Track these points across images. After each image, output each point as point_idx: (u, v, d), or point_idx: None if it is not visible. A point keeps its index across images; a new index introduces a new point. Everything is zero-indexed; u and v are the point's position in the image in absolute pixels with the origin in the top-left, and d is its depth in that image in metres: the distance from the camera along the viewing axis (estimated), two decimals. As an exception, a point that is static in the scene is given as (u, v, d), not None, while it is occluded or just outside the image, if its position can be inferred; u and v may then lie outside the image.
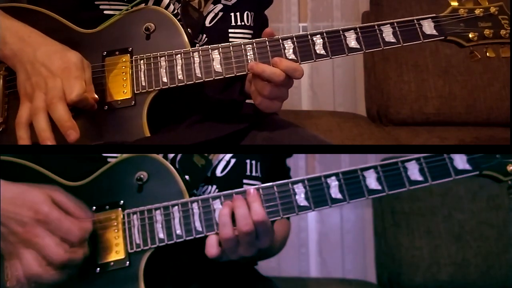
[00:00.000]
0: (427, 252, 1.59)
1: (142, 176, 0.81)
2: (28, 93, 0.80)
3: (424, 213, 1.62)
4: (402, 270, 1.59)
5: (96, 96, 0.83)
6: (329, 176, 0.80)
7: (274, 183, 0.80)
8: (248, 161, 0.93)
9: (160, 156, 0.83)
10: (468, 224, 1.60)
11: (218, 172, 0.91)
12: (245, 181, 0.92)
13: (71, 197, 0.75)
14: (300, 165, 2.03)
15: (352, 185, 0.80)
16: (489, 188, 1.62)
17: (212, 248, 0.77)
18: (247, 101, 1.03)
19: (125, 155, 0.83)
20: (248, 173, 0.93)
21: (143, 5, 0.90)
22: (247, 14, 0.99)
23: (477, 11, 0.92)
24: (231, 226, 0.76)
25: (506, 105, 1.81)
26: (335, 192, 0.79)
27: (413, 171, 0.81)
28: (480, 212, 1.61)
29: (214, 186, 0.90)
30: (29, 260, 0.71)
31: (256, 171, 0.94)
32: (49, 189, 0.75)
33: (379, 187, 0.80)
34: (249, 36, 1.00)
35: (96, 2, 0.90)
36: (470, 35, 0.91)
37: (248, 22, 0.99)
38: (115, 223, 0.80)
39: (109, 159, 0.85)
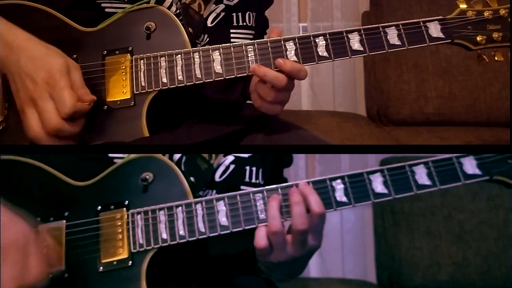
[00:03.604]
0: (427, 252, 1.59)
1: (147, 176, 0.81)
2: (20, 106, 0.79)
3: (424, 213, 1.62)
4: (402, 270, 1.60)
5: (93, 96, 0.81)
6: (335, 179, 0.79)
7: (278, 185, 0.79)
8: (247, 167, 0.92)
9: (166, 157, 0.83)
10: (468, 224, 1.60)
11: (217, 177, 0.90)
12: (243, 187, 0.91)
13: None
14: (300, 165, 2.03)
15: (358, 188, 0.79)
16: (489, 188, 1.62)
17: (261, 239, 0.76)
18: (247, 101, 1.03)
19: (131, 156, 0.83)
20: (247, 179, 0.92)
21: (144, 4, 0.89)
22: (249, 14, 0.99)
23: (486, 13, 0.89)
24: (280, 219, 0.75)
25: (506, 105, 1.81)
26: (340, 195, 0.78)
27: (421, 175, 0.79)
28: (480, 212, 1.61)
29: (215, 191, 0.89)
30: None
31: (257, 178, 0.93)
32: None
33: (386, 191, 0.79)
34: (251, 36, 0.99)
35: (97, 1, 0.90)
36: (478, 38, 0.88)
37: (250, 23, 0.99)
38: (120, 223, 0.79)
39: (115, 160, 0.85)
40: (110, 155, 0.85)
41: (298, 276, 0.92)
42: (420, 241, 1.60)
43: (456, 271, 1.57)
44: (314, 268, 2.01)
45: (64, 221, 0.79)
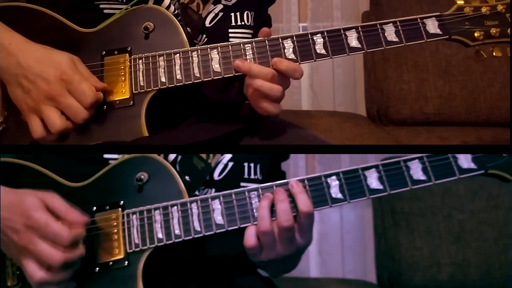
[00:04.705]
0: (427, 252, 1.59)
1: (142, 176, 0.81)
2: (32, 107, 0.80)
3: (424, 213, 1.62)
4: (402, 270, 1.59)
5: (104, 83, 0.84)
6: (330, 175, 0.79)
7: (273, 183, 0.79)
8: (246, 164, 0.93)
9: (160, 157, 0.83)
10: (468, 224, 1.60)
11: (216, 176, 0.90)
12: (242, 184, 0.91)
13: (65, 201, 0.75)
14: (300, 165, 2.02)
15: (353, 184, 0.79)
16: (489, 187, 1.62)
17: (250, 238, 0.76)
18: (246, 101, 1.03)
19: (126, 156, 0.83)
20: (246, 176, 0.92)
21: (142, 4, 0.90)
22: (247, 13, 0.99)
23: (483, 9, 0.89)
24: (270, 219, 0.76)
25: (506, 105, 1.81)
26: (335, 192, 0.79)
27: (416, 170, 0.80)
28: (480, 212, 1.61)
29: (213, 189, 0.89)
30: (31, 268, 0.72)
31: (255, 174, 0.93)
32: (43, 194, 0.74)
33: (381, 187, 0.79)
34: (249, 36, 0.99)
35: (95, 2, 0.90)
36: (476, 34, 0.89)
37: (248, 22, 0.99)
38: (115, 223, 0.80)
39: (110, 161, 0.85)
40: (105, 156, 0.85)
41: (292, 271, 0.93)
42: (420, 241, 1.60)
43: (456, 271, 1.57)
44: (314, 268, 2.01)
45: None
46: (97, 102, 0.82)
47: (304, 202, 0.76)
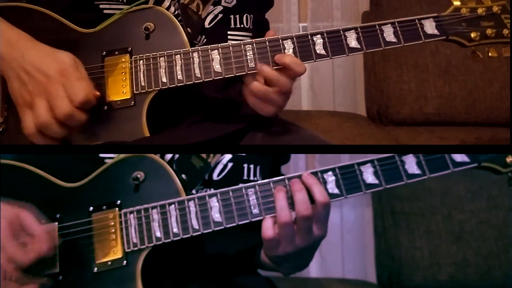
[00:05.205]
0: (427, 252, 1.59)
1: (138, 176, 0.81)
2: (26, 101, 0.79)
3: (424, 213, 1.62)
4: (402, 270, 1.60)
5: (98, 92, 0.83)
6: (326, 171, 0.80)
7: (270, 179, 0.80)
8: (245, 165, 0.93)
9: (157, 156, 0.83)
10: (468, 224, 1.60)
11: (215, 176, 0.91)
12: (241, 185, 0.91)
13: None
14: (300, 165, 2.02)
15: (349, 179, 0.80)
16: (489, 188, 1.62)
17: (268, 230, 0.77)
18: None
19: (122, 155, 0.83)
20: (245, 177, 0.92)
21: (142, 5, 0.90)
22: (247, 16, 0.99)
23: (479, 10, 0.91)
24: (289, 209, 0.76)
25: (506, 105, 1.81)
26: (332, 187, 0.79)
27: (411, 165, 0.81)
28: (480, 212, 1.61)
29: (212, 189, 0.90)
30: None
31: (255, 175, 0.93)
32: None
33: (376, 181, 0.80)
34: (248, 38, 0.99)
35: (95, 2, 0.90)
36: (472, 35, 0.90)
37: (247, 25, 1.00)
38: (112, 223, 0.80)
39: (106, 160, 0.85)
40: (101, 155, 0.86)
41: (303, 269, 0.93)
42: (420, 241, 1.60)
43: (456, 271, 1.57)
44: (314, 268, 2.00)
45: (56, 223, 0.79)
46: (87, 104, 0.80)
47: (320, 192, 0.76)
